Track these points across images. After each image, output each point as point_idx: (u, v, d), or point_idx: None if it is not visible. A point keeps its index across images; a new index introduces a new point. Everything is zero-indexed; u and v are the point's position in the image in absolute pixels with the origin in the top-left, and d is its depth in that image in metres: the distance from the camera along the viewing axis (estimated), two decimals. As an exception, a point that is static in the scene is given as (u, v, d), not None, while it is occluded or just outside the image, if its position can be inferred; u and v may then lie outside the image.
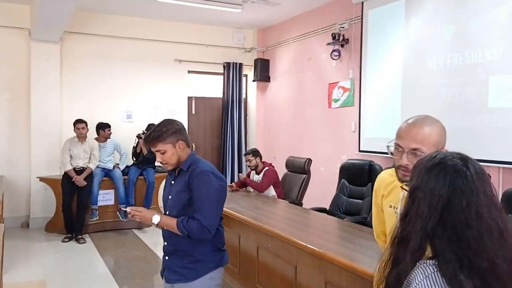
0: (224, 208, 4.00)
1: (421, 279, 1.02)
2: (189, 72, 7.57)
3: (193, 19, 7.21)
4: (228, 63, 7.72)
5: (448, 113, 4.35)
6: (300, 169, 5.21)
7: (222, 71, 7.75)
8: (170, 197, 2.31)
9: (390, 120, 5.11)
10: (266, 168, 5.02)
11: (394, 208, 1.70)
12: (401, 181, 1.58)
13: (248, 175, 5.17)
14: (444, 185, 1.05)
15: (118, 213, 6.19)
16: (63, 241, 5.64)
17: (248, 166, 5.16)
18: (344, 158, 5.58)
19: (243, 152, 7.52)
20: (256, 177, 5.08)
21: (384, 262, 1.13)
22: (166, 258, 2.32)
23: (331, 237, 3.18)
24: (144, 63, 7.11)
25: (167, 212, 2.30)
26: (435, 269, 1.02)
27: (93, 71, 6.77)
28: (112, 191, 6.25)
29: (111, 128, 6.30)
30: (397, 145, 1.60)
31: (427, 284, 1.01)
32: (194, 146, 7.76)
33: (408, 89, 4.92)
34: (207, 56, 7.54)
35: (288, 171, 5.40)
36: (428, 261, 1.04)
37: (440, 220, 1.04)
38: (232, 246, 3.92)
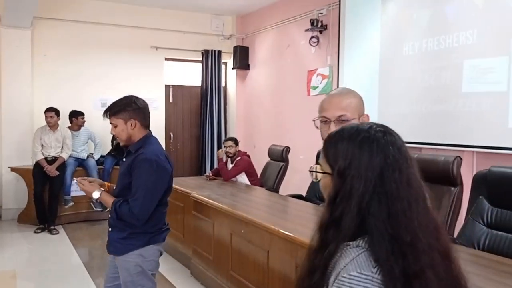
0: (198, 196, 3.98)
1: (346, 263, 0.93)
2: (166, 59, 7.43)
3: (170, 5, 7.06)
4: (206, 51, 7.59)
5: (424, 98, 4.35)
6: (278, 157, 5.18)
7: (201, 59, 7.63)
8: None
9: (367, 107, 5.06)
10: (239, 158, 4.97)
11: None
12: None
13: (226, 162, 5.10)
14: (378, 156, 0.97)
15: (92, 203, 6.05)
16: (35, 232, 5.52)
17: (226, 153, 5.07)
18: (322, 145, 5.54)
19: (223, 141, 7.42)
20: (231, 166, 5.03)
21: (310, 251, 1.03)
22: (109, 230, 2.43)
23: (304, 222, 3.14)
24: (119, 50, 6.94)
25: (114, 187, 2.43)
26: (361, 251, 0.93)
27: (65, 58, 6.58)
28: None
29: (85, 116, 6.14)
30: (323, 118, 1.65)
31: (353, 267, 0.91)
32: (172, 135, 7.65)
33: (384, 75, 4.89)
34: (184, 43, 7.41)
35: (271, 159, 5.36)
36: (352, 242, 0.95)
37: (374, 195, 0.95)
38: (206, 234, 3.86)
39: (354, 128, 1.03)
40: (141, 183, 2.22)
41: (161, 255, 2.45)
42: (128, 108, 2.30)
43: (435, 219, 1.00)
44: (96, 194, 2.31)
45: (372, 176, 0.96)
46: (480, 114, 3.87)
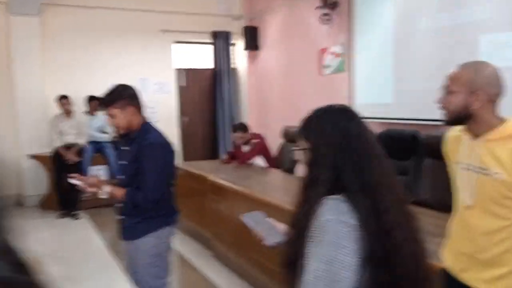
0: (216, 179, 4.03)
1: (325, 210, 1.12)
2: (175, 42, 7.40)
3: (177, -13, 6.99)
4: (215, 32, 7.54)
5: (440, 74, 4.23)
6: (293, 138, 5.20)
7: (210, 41, 7.58)
8: (123, 162, 2.46)
9: (382, 85, 5.05)
10: (253, 140, 4.97)
11: (460, 164, 1.70)
12: (443, 121, 1.68)
13: (239, 147, 5.11)
14: (348, 121, 1.21)
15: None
16: (58, 218, 5.64)
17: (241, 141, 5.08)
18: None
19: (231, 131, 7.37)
20: (245, 148, 5.03)
21: (294, 211, 1.22)
22: (122, 217, 2.48)
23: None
24: (128, 35, 6.92)
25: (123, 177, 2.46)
26: (338, 199, 1.13)
27: (75, 44, 6.58)
28: (106, 166, 6.19)
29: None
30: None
31: (330, 213, 1.10)
32: (185, 119, 7.68)
33: (399, 52, 4.83)
34: (193, 25, 7.34)
35: (286, 141, 5.38)
36: (330, 196, 1.14)
37: (342, 154, 1.16)
38: (225, 216, 3.93)
39: (321, 109, 1.29)
40: (150, 168, 2.29)
41: (173, 236, 2.54)
42: (122, 95, 2.35)
43: (391, 171, 1.22)
44: (106, 189, 2.36)
45: (337, 142, 1.18)
46: (497, 89, 3.82)
